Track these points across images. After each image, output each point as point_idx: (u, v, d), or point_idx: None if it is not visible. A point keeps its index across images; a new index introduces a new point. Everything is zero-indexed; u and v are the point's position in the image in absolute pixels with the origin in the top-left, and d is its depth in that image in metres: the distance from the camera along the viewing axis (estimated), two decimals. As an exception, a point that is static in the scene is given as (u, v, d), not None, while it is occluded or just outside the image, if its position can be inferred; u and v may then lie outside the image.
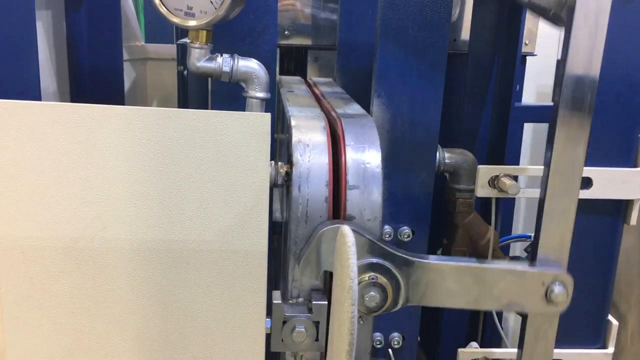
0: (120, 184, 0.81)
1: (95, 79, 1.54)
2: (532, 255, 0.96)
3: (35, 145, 0.79)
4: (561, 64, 0.91)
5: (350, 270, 0.69)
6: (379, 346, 1.17)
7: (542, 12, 0.99)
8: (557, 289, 0.88)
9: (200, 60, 0.97)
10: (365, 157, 0.90)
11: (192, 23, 0.92)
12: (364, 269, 0.85)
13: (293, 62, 2.06)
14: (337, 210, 0.90)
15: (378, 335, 1.16)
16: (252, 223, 0.83)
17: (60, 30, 1.46)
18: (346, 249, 0.71)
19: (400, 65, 1.05)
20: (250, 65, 0.98)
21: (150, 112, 0.80)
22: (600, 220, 1.15)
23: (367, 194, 0.88)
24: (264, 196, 0.83)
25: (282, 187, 0.93)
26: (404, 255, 0.86)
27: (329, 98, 1.17)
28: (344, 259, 0.71)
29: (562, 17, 0.94)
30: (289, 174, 0.90)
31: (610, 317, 1.21)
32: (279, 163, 0.91)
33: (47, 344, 0.86)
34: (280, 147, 1.15)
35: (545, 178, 0.95)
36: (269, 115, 0.82)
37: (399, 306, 0.87)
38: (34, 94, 1.00)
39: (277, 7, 1.07)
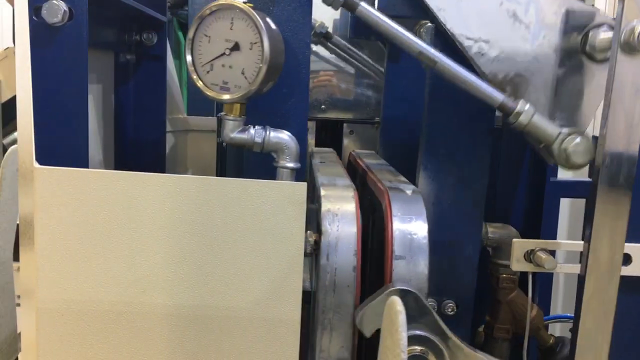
0: (160, 250, 0.83)
1: (138, 148, 1.60)
2: (572, 339, 0.93)
3: (80, 211, 0.82)
4: (600, 141, 0.92)
5: (401, 342, 0.68)
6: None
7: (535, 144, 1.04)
8: None
9: (233, 131, 1.00)
10: (412, 227, 0.91)
11: (225, 97, 0.96)
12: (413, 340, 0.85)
13: (329, 134, 2.12)
14: (382, 279, 0.91)
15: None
16: (286, 291, 0.84)
17: (109, 103, 1.54)
18: (397, 321, 0.70)
19: (447, 140, 1.08)
20: (282, 136, 1.01)
21: (191, 180, 0.83)
22: (642, 298, 1.11)
23: (413, 265, 0.89)
24: (299, 264, 0.84)
25: (311, 255, 0.94)
26: (456, 340, 0.86)
27: (374, 170, 1.20)
28: (394, 331, 0.70)
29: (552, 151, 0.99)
30: (317, 243, 0.91)
31: (655, 401, 1.15)
32: (308, 232, 0.92)
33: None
34: (309, 216, 1.17)
35: (585, 255, 0.94)
36: (304, 184, 0.84)
37: None
38: (82, 163, 1.05)
39: (308, 80, 1.11)
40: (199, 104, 2.39)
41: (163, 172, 1.67)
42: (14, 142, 2.06)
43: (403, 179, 1.13)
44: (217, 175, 1.79)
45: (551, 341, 1.32)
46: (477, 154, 1.10)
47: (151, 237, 0.83)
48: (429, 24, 1.25)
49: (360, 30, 1.59)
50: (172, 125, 1.77)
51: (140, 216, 0.83)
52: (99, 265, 0.83)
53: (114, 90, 1.55)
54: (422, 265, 0.89)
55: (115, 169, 1.56)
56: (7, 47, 1.80)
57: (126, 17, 1.49)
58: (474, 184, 1.09)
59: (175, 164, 1.85)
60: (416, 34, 1.27)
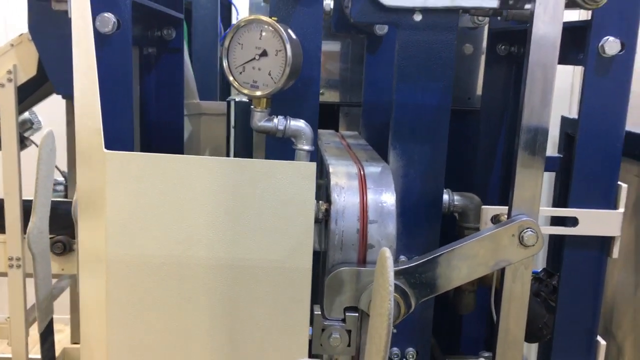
0: (202, 215, 1.06)
1: (160, 131, 1.80)
2: (508, 214, 1.15)
3: (141, 186, 1.04)
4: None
5: (389, 279, 0.90)
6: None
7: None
8: (527, 234, 1.09)
9: (261, 121, 1.22)
10: (383, 197, 1.13)
11: (257, 93, 1.17)
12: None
13: (326, 117, 2.31)
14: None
15: (395, 350, 1.35)
16: (300, 246, 1.07)
17: (135, 92, 1.74)
18: (386, 265, 0.92)
19: (411, 123, 1.27)
20: (299, 125, 1.22)
21: (225, 161, 1.05)
22: (587, 253, 1.35)
23: (383, 227, 1.11)
24: (310, 226, 1.07)
25: (322, 222, 1.17)
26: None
27: (354, 149, 1.42)
28: (384, 272, 0.92)
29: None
30: (327, 211, 1.13)
31: (598, 338, 1.39)
32: (320, 202, 1.15)
33: (142, 338, 1.10)
34: (320, 190, 1.38)
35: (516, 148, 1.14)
36: (314, 164, 1.07)
37: (413, 307, 1.10)
38: (129, 145, 1.26)
39: (319, 77, 1.31)
40: (203, 88, 2.58)
41: (181, 152, 1.88)
42: (24, 123, 2.25)
43: (377, 156, 1.32)
44: (226, 154, 2.01)
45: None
46: (436, 135, 1.28)
47: (195, 205, 1.05)
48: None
49: (341, 25, 1.75)
50: (188, 109, 1.96)
51: (186, 189, 1.05)
52: (156, 228, 1.05)
53: (139, 81, 1.76)
54: (391, 228, 1.10)
55: (141, 150, 1.77)
56: (22, 34, 1.80)
57: (149, 16, 1.69)
58: (435, 159, 1.28)
59: (192, 145, 2.05)
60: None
